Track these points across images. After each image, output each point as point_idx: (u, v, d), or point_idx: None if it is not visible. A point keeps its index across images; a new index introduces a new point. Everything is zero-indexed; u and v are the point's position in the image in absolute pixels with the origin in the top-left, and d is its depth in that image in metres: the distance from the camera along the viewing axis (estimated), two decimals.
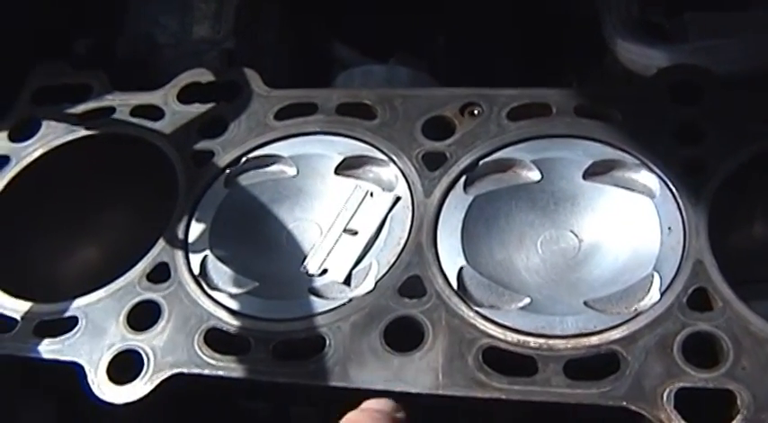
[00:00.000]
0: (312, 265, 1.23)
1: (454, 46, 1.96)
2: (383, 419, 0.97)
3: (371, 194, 1.26)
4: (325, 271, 1.23)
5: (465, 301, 1.14)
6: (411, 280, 1.17)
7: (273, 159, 1.33)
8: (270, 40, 1.68)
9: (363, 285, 1.18)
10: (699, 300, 1.10)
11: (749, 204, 1.27)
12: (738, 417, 1.00)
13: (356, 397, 1.05)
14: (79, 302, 1.24)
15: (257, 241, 1.29)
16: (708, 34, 1.46)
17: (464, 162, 1.25)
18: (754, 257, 1.35)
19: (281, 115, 1.36)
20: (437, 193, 1.22)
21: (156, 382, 1.14)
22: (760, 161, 1.20)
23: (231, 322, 1.19)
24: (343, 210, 1.27)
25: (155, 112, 1.42)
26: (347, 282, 1.21)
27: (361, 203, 1.27)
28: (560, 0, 1.76)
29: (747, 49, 1.39)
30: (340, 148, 1.31)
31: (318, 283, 1.22)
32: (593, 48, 1.57)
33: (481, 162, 1.25)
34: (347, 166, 1.30)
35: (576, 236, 1.21)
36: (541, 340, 1.09)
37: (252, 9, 1.62)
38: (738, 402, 1.01)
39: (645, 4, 1.54)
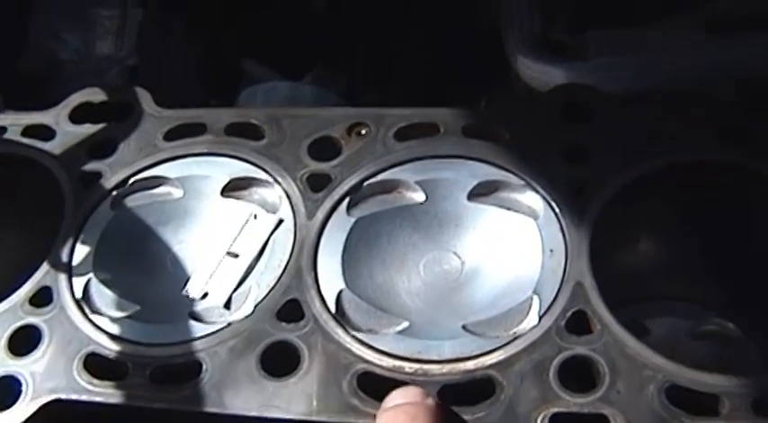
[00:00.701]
0: (193, 289, 1.21)
1: (373, 61, 1.92)
2: (420, 412, 0.94)
3: (255, 216, 1.23)
4: (206, 294, 1.19)
5: (342, 326, 1.12)
6: (289, 304, 1.15)
7: (160, 181, 1.30)
8: (177, 57, 1.65)
9: (243, 309, 1.17)
10: (577, 323, 1.09)
11: (637, 223, 1.24)
12: None
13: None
14: None
15: (141, 264, 1.27)
16: (607, 52, 1.45)
17: (348, 183, 1.23)
18: (651, 274, 1.33)
19: (171, 136, 1.34)
20: (320, 214, 1.21)
21: (34, 408, 1.13)
22: (646, 180, 1.18)
23: (111, 347, 1.17)
24: (225, 232, 1.22)
25: (46, 133, 1.40)
26: (227, 305, 1.19)
27: (244, 226, 1.22)
28: (470, 15, 1.72)
29: (644, 67, 1.38)
30: (227, 169, 1.29)
31: (199, 306, 1.20)
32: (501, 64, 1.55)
33: (365, 183, 1.23)
34: (233, 188, 1.28)
35: (459, 258, 1.20)
36: (417, 365, 1.08)
37: (156, 25, 1.59)
38: None
39: (548, 20, 1.53)
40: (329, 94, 1.58)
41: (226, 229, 1.25)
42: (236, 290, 1.21)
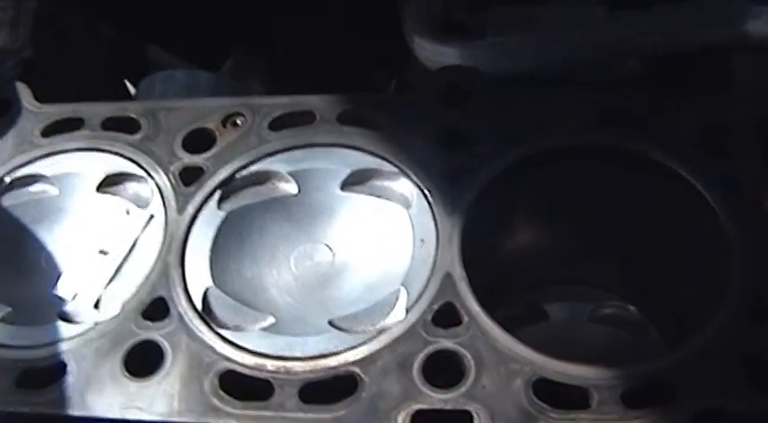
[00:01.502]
0: (63, 289, 1.18)
1: (291, 45, 1.88)
2: None
3: (128, 212, 1.19)
4: (76, 294, 1.16)
5: (207, 323, 1.10)
6: (156, 302, 1.12)
7: (35, 179, 1.28)
8: (77, 47, 1.61)
9: (110, 309, 1.13)
10: (445, 316, 1.06)
11: (519, 209, 1.21)
12: None
13: None
14: None
15: (16, 264, 1.24)
16: (506, 30, 1.41)
17: (220, 176, 1.20)
18: (546, 259, 1.31)
19: (48, 132, 1.31)
20: (190, 209, 1.19)
21: None
22: (526, 165, 1.15)
23: None
24: (99, 230, 1.19)
25: None
26: (96, 305, 1.15)
27: (116, 223, 1.19)
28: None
29: (541, 45, 1.34)
30: (102, 164, 1.25)
31: (69, 307, 1.17)
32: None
33: (237, 175, 1.20)
34: (108, 184, 1.26)
35: (331, 250, 1.18)
36: (279, 363, 1.06)
37: (52, 15, 1.54)
38: None
39: (448, 0, 1.48)
40: (226, 81, 1.53)
41: (99, 226, 1.21)
42: (105, 289, 1.15)
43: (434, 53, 1.40)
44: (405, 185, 1.16)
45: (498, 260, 1.23)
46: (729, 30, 1.29)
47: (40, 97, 1.39)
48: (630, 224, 1.23)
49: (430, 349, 1.04)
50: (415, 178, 1.15)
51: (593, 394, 0.99)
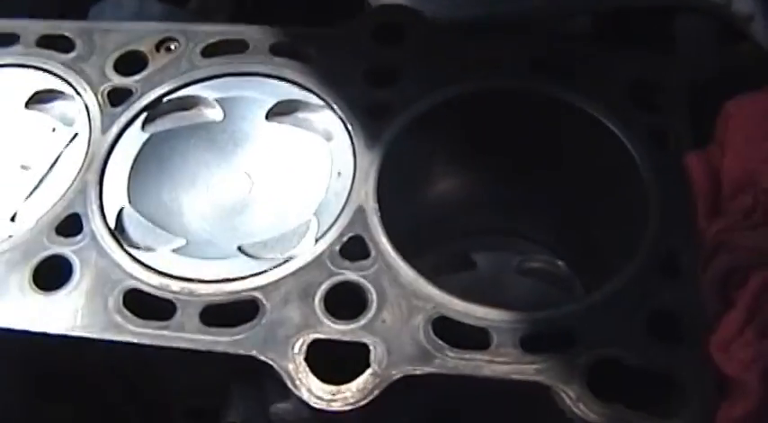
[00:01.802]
0: None
1: None
2: None
3: (54, 130, 1.19)
4: None
5: (118, 242, 1.09)
6: (70, 218, 1.13)
7: None
8: None
9: (27, 223, 1.12)
10: (353, 248, 1.05)
11: (442, 152, 1.21)
12: (368, 371, 0.97)
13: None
14: None
15: None
16: None
17: (148, 98, 1.19)
18: (475, 207, 1.30)
19: None
20: (114, 129, 1.18)
21: None
22: (451, 107, 1.15)
23: None
24: (22, 145, 1.20)
25: None
26: (13, 218, 1.15)
27: (42, 139, 1.19)
28: None
29: None
30: (32, 81, 1.24)
31: None
32: None
33: (165, 99, 1.19)
34: (37, 101, 1.26)
35: (250, 178, 1.17)
36: (183, 284, 1.05)
37: None
38: (371, 356, 0.97)
39: None
40: (178, 11, 1.51)
41: (25, 141, 1.20)
42: (24, 203, 1.15)
43: None
44: (328, 119, 1.16)
45: (422, 204, 1.22)
46: None
47: None
48: (558, 174, 1.23)
49: (334, 280, 1.04)
50: (339, 112, 1.15)
51: (492, 336, 0.99)
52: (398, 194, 1.12)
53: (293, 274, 1.04)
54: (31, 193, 1.17)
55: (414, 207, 1.20)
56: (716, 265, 0.97)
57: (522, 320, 1.00)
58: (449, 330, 1.01)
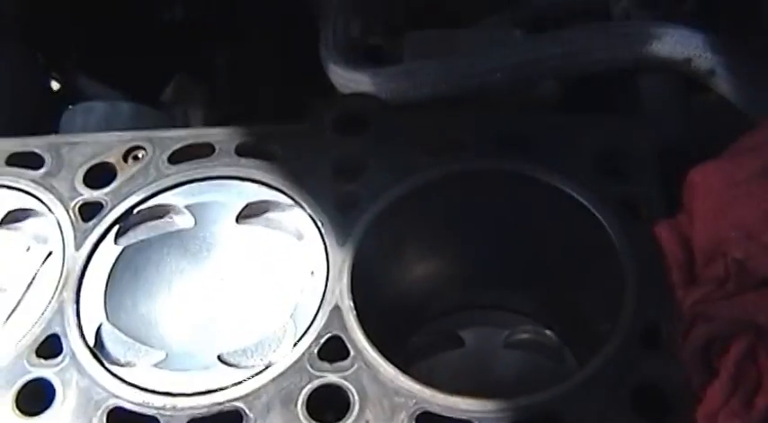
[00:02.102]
0: None
1: (232, 71, 1.89)
2: None
3: (28, 249, 1.19)
4: None
5: (98, 359, 1.10)
6: (49, 339, 1.12)
7: None
8: (5, 79, 1.61)
9: (7, 347, 1.12)
10: (332, 349, 1.05)
11: (416, 237, 1.21)
12: None
13: None
14: None
15: None
16: (422, 54, 1.41)
17: (118, 211, 1.20)
18: (458, 285, 1.30)
19: None
20: (87, 245, 1.18)
21: None
22: (421, 193, 1.15)
23: None
24: None
25: None
26: None
27: (17, 259, 1.19)
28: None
29: (452, 69, 1.34)
30: (4, 200, 1.25)
31: None
32: None
33: (135, 210, 1.19)
34: (10, 220, 1.26)
35: (225, 283, 1.15)
36: (166, 399, 1.05)
37: None
38: None
39: (366, 24, 1.49)
40: (147, 110, 1.52)
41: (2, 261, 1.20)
42: (2, 326, 1.15)
43: (347, 80, 1.41)
44: (299, 217, 1.17)
45: (401, 291, 1.22)
46: (634, 51, 1.28)
47: None
48: (536, 247, 1.22)
49: (314, 384, 1.04)
50: (308, 210, 1.16)
51: None
52: (375, 288, 1.12)
53: (273, 380, 1.05)
54: (9, 316, 1.16)
55: (393, 295, 1.20)
56: (695, 336, 0.97)
57: (508, 409, 0.99)
58: None
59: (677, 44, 1.28)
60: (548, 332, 1.34)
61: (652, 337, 1.03)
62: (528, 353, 1.34)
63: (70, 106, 1.63)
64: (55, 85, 1.83)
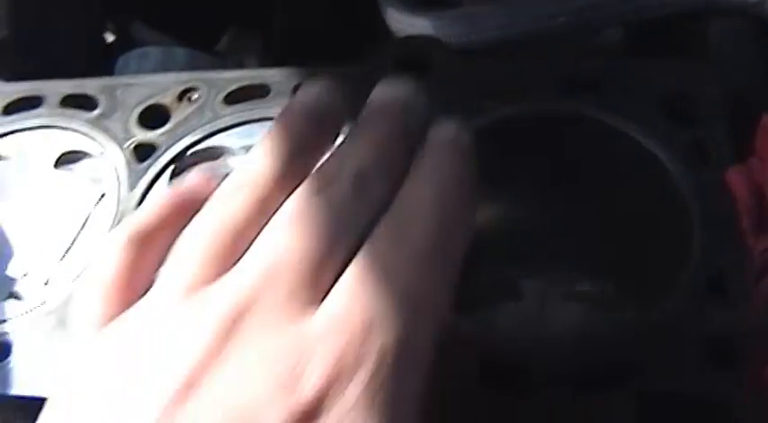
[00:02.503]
0: (14, 268, 1.16)
1: (288, 20, 1.87)
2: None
3: (83, 189, 1.18)
4: (26, 273, 1.15)
5: None
6: None
7: None
8: (55, 25, 1.60)
9: (60, 287, 1.11)
10: None
11: (480, 182, 1.18)
12: None
13: None
14: None
15: None
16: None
17: (173, 152, 1.18)
18: (516, 236, 1.28)
19: (9, 110, 1.30)
20: (141, 185, 1.16)
21: None
22: (481, 136, 1.12)
23: None
24: (52, 207, 1.19)
25: None
26: (47, 283, 1.14)
27: (71, 200, 1.19)
28: None
29: (514, 13, 1.30)
30: (58, 142, 1.24)
31: (19, 286, 1.16)
32: None
33: (190, 151, 1.17)
34: (64, 161, 1.25)
35: None
36: None
37: None
38: None
39: None
40: (202, 56, 1.51)
41: (54, 203, 1.19)
42: (56, 267, 1.14)
43: (406, 24, 1.38)
44: None
45: None
46: None
47: (21, 73, 1.36)
48: (598, 196, 1.19)
49: None
50: None
51: None
52: None
53: None
54: (64, 256, 1.14)
55: None
56: (766, 284, 0.93)
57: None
58: None
59: None
60: (608, 285, 1.30)
61: (721, 286, 0.99)
62: (587, 306, 1.31)
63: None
64: (109, 38, 1.79)
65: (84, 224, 1.17)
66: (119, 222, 1.14)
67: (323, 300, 0.60)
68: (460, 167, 0.86)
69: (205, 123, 1.20)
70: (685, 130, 1.11)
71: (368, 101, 0.91)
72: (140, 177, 1.17)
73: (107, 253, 0.70)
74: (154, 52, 1.50)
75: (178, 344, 0.57)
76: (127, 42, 1.76)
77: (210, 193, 0.77)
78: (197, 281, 0.62)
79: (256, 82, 1.21)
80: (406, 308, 0.61)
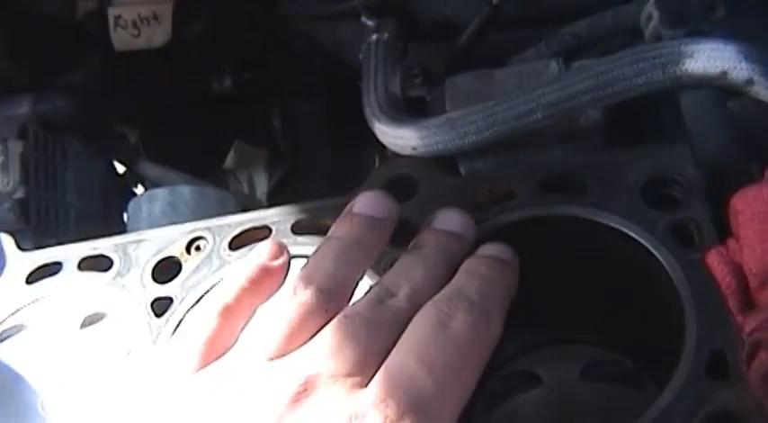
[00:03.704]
0: None
1: (288, 128, 1.95)
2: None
3: (108, 350, 1.25)
4: None
5: None
6: None
7: (22, 328, 1.32)
8: (70, 177, 1.68)
9: None
10: None
11: None
12: None
13: None
14: None
15: (13, 413, 1.29)
16: (461, 102, 1.44)
17: (188, 304, 1.23)
18: (529, 325, 1.32)
19: (31, 279, 1.35)
20: (162, 339, 1.21)
21: None
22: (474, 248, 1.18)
23: None
24: (84, 370, 1.25)
25: None
26: None
27: (100, 361, 1.25)
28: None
29: (487, 118, 1.36)
30: (81, 306, 1.30)
31: None
32: None
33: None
34: (89, 323, 1.30)
35: None
36: None
37: (41, 152, 1.62)
38: None
39: (406, 76, 1.52)
40: (207, 190, 1.58)
41: (85, 366, 1.26)
42: None
43: (395, 137, 1.44)
44: None
45: None
46: (668, 72, 1.29)
47: (39, 231, 1.44)
48: (595, 283, 1.24)
49: None
50: None
51: None
52: None
53: None
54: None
55: None
56: (758, 365, 0.97)
57: None
58: None
59: (710, 59, 1.28)
60: (624, 360, 1.35)
61: (719, 366, 1.02)
62: (606, 384, 1.35)
63: (139, 185, 1.67)
64: (120, 168, 1.87)
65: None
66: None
67: (369, 381, 0.79)
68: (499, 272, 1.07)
69: (214, 271, 1.26)
70: (667, 214, 1.15)
71: (427, 224, 1.13)
72: (161, 331, 1.22)
73: (200, 319, 0.94)
74: (161, 194, 1.58)
75: (258, 400, 0.78)
76: (136, 176, 1.83)
77: (279, 273, 1.02)
78: (274, 353, 0.83)
79: (258, 225, 1.27)
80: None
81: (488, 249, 1.04)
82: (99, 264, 1.32)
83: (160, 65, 1.85)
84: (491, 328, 0.90)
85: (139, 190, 1.87)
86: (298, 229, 1.25)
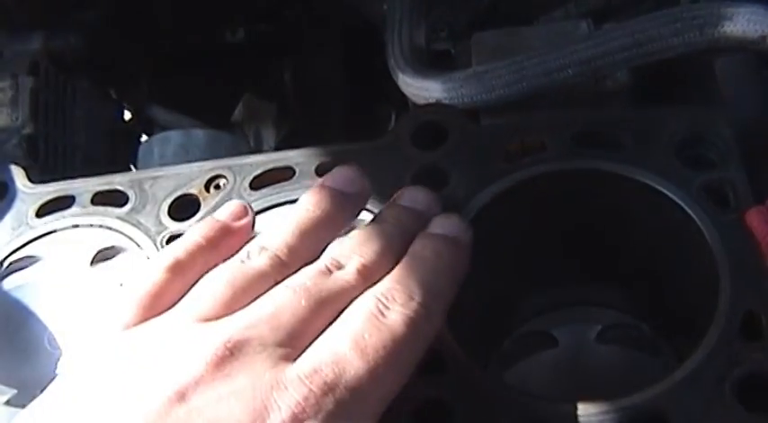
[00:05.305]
0: (64, 367, 1.19)
1: (300, 83, 1.91)
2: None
3: (121, 285, 1.21)
4: None
5: None
6: None
7: (32, 260, 1.29)
8: (79, 117, 1.64)
9: None
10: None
11: (504, 241, 1.21)
12: None
13: None
14: None
15: (19, 347, 1.26)
16: (488, 57, 1.41)
17: None
18: (545, 285, 1.31)
19: (42, 212, 1.32)
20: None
21: None
22: (500, 201, 1.15)
23: None
24: (94, 304, 1.22)
25: None
26: None
27: (111, 296, 1.21)
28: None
29: (522, 69, 1.34)
30: (93, 240, 1.27)
31: None
32: None
33: None
34: (101, 258, 1.27)
35: None
36: None
37: (51, 89, 1.58)
38: None
39: (431, 30, 1.49)
40: (222, 135, 1.54)
41: (95, 301, 1.22)
42: None
43: (419, 89, 1.41)
44: None
45: (490, 296, 1.21)
46: (706, 33, 1.26)
47: (46, 169, 1.40)
48: (623, 242, 1.22)
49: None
50: None
51: None
52: (465, 297, 1.11)
53: None
54: None
55: (483, 303, 1.19)
56: None
57: (610, 411, 0.97)
58: None
59: (750, 22, 1.25)
60: (641, 325, 1.32)
61: (752, 327, 0.99)
62: (623, 347, 1.33)
63: (144, 135, 1.64)
64: (127, 114, 1.84)
65: None
66: None
67: (300, 355, 0.76)
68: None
69: None
70: (702, 174, 1.13)
71: (392, 200, 1.07)
72: None
73: (147, 272, 0.88)
74: (174, 136, 1.54)
75: (180, 359, 0.74)
76: (145, 121, 1.80)
77: (241, 234, 1.00)
78: (208, 314, 0.81)
79: (280, 165, 1.24)
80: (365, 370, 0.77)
81: (440, 225, 0.98)
82: (113, 199, 1.29)
83: (172, 11, 1.80)
84: (430, 322, 0.84)
85: (144, 139, 1.82)
86: (322, 172, 1.21)
